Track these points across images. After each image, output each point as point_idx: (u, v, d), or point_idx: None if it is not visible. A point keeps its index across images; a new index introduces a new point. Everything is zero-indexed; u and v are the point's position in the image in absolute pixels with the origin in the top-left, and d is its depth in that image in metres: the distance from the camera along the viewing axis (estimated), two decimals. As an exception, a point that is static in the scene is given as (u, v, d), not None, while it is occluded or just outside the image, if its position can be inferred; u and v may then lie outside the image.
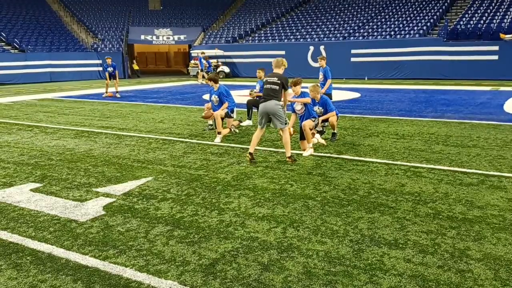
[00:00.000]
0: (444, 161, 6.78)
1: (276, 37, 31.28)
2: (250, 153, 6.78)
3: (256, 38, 32.43)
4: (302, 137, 7.49)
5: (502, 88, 18.27)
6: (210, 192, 5.44)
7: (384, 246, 3.87)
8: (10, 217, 4.74)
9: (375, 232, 4.17)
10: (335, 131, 8.47)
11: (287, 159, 6.84)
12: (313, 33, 30.28)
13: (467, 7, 27.98)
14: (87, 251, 3.88)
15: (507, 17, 24.85)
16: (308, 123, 7.38)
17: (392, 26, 27.99)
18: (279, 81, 6.69)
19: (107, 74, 18.30)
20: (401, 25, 27.74)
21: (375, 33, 27.60)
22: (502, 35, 22.37)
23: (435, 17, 27.61)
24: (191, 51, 33.05)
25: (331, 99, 9.22)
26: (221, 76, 26.79)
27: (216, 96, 9.23)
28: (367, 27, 29.01)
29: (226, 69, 29.67)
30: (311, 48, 27.61)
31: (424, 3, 30.04)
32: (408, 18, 28.56)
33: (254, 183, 5.80)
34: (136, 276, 3.43)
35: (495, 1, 27.24)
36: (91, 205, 5.05)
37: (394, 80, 23.99)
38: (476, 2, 27.88)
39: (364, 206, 4.86)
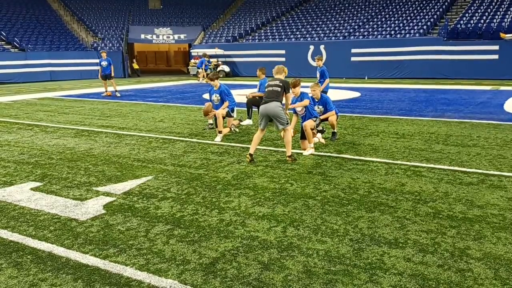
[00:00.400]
0: (444, 160, 6.78)
1: (276, 37, 31.28)
2: (250, 154, 6.81)
3: (256, 37, 32.42)
4: (303, 136, 7.50)
5: (502, 88, 18.27)
6: (210, 191, 5.45)
7: (384, 245, 3.87)
8: (11, 216, 4.75)
9: (375, 231, 4.17)
10: (335, 131, 8.47)
11: (287, 158, 6.85)
12: (313, 32, 30.27)
13: (467, 7, 27.96)
14: (87, 250, 3.88)
15: (507, 16, 24.84)
16: (309, 123, 7.39)
17: (392, 25, 27.98)
18: (280, 84, 6.84)
19: (100, 69, 17.90)
20: (401, 25, 27.72)
21: (375, 33, 27.59)
22: (502, 35, 22.35)
23: (435, 16, 27.59)
24: (191, 50, 33.03)
25: None
26: (221, 76, 26.79)
27: (218, 95, 9.23)
28: (367, 26, 28.99)
29: (226, 68, 29.66)
30: (311, 47, 27.60)
31: (424, 2, 30.02)
32: (408, 18, 28.55)
33: (254, 182, 5.80)
34: (137, 275, 3.43)
35: (495, 1, 27.22)
36: (91, 204, 5.05)
37: (394, 80, 23.99)
38: (477, 2, 27.87)
39: (364, 205, 4.86)
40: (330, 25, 30.78)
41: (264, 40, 31.33)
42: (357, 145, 7.97)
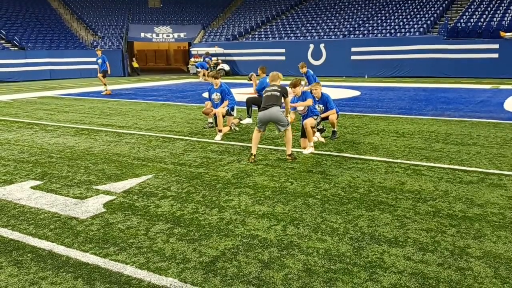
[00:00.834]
0: (444, 159, 6.78)
1: (276, 35, 31.25)
2: (254, 155, 6.82)
3: (256, 36, 32.40)
4: (303, 135, 7.50)
5: (502, 86, 18.26)
6: (210, 190, 5.45)
7: (384, 244, 3.88)
8: (11, 215, 4.75)
9: (375, 230, 4.18)
10: (335, 129, 8.47)
11: (287, 157, 6.85)
12: (313, 31, 30.25)
13: (467, 5, 27.94)
14: (87, 248, 3.88)
15: (507, 15, 24.83)
16: (309, 121, 7.39)
17: (392, 24, 27.97)
18: (279, 89, 6.90)
19: (98, 67, 17.82)
20: (401, 23, 27.71)
21: (375, 31, 27.58)
22: (502, 33, 22.35)
23: (435, 15, 27.58)
24: (191, 49, 33.01)
25: None
26: (221, 74, 26.75)
27: (218, 94, 9.22)
28: (367, 25, 28.98)
29: (226, 67, 29.65)
30: (311, 46, 27.60)
31: (424, 1, 30.01)
32: (408, 16, 28.53)
33: (254, 181, 5.80)
34: (137, 274, 3.44)
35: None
36: (92, 203, 5.05)
37: (394, 78, 23.98)
38: (477, 0, 27.85)
39: (364, 204, 4.87)
40: (330, 24, 30.76)
41: (264, 39, 31.32)
42: (357, 143, 7.97)
